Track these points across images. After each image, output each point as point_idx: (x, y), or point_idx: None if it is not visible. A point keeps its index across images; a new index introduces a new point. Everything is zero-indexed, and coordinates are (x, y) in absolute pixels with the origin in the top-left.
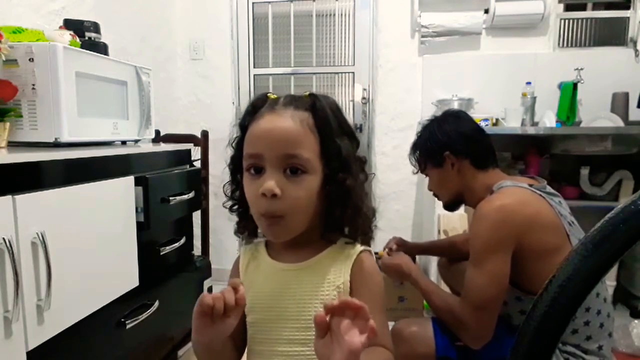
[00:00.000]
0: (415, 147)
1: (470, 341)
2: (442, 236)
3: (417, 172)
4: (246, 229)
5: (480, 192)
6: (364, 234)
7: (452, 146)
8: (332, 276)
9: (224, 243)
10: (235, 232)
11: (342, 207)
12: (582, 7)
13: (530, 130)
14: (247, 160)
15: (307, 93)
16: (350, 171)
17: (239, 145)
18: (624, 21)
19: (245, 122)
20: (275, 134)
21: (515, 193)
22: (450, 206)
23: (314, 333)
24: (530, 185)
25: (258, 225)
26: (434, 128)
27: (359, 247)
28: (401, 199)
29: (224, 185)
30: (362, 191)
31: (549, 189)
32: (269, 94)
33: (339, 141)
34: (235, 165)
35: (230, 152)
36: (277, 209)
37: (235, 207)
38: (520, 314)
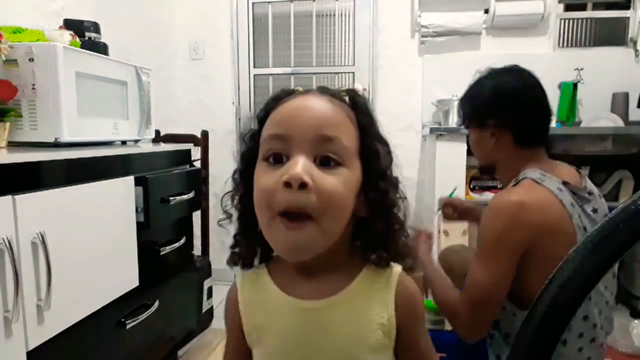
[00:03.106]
0: (462, 100)
1: (465, 335)
2: (442, 236)
3: (461, 125)
4: (241, 256)
5: (512, 171)
6: (402, 258)
7: (498, 114)
8: (374, 312)
9: (224, 243)
10: (227, 261)
11: (386, 222)
12: (582, 7)
13: None
14: (267, 144)
15: (344, 89)
16: (391, 183)
17: (252, 142)
18: (624, 21)
19: (266, 112)
20: (310, 112)
21: (537, 192)
22: (485, 170)
23: None
24: (565, 184)
25: (268, 237)
26: (487, 85)
27: (396, 268)
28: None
29: (222, 197)
30: (400, 209)
31: (589, 189)
32: (295, 89)
33: (379, 146)
34: (247, 165)
35: (241, 149)
36: (307, 203)
37: (238, 221)
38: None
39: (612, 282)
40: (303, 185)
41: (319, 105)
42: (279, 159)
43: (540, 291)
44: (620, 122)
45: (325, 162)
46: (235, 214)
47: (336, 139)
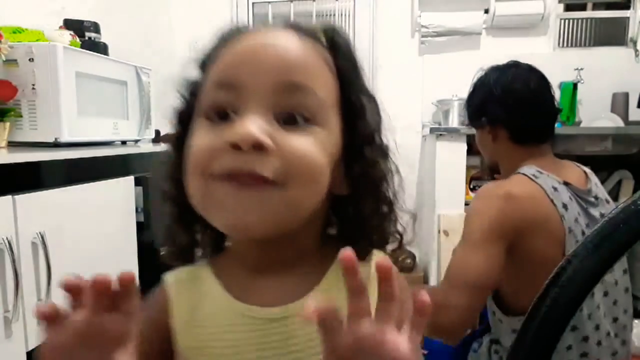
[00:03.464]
0: (467, 99)
1: (455, 327)
2: (442, 236)
3: (467, 124)
4: (178, 250)
5: (512, 168)
6: (385, 242)
7: (488, 112)
8: None
9: None
10: (163, 260)
11: (373, 202)
12: (582, 7)
13: None
14: (209, 95)
15: (322, 25)
16: (382, 150)
17: (194, 95)
18: (624, 21)
19: (210, 55)
20: (270, 52)
21: (525, 187)
22: (491, 169)
23: None
24: (566, 184)
25: (206, 208)
26: (483, 81)
27: (378, 256)
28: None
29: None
30: (390, 185)
31: (594, 193)
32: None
33: (365, 101)
34: (185, 130)
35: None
36: (267, 168)
37: (173, 204)
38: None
39: (624, 297)
40: (258, 147)
41: (283, 42)
42: (224, 116)
43: (541, 291)
44: (620, 122)
45: (291, 120)
46: (169, 196)
47: (307, 88)
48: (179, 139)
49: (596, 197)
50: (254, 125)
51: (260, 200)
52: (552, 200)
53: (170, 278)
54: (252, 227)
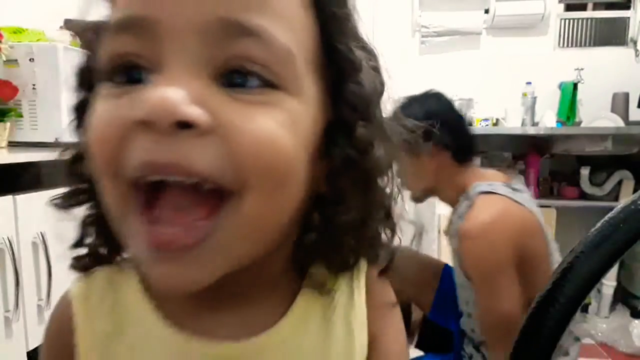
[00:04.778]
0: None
1: None
2: (443, 236)
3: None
4: (94, 255)
5: (455, 189)
6: (376, 258)
7: (433, 135)
8: (335, 344)
9: None
10: (73, 267)
11: (364, 203)
12: (582, 7)
13: (530, 130)
14: (111, 44)
15: None
16: (381, 130)
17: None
18: (624, 21)
19: None
20: None
21: (496, 204)
22: (421, 198)
23: None
24: (506, 185)
25: (122, 235)
26: (415, 110)
27: (362, 264)
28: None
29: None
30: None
31: (518, 186)
32: None
33: (357, 54)
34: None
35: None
36: (201, 159)
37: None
38: None
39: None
40: (184, 124)
41: None
42: (135, 77)
43: (540, 291)
44: (620, 122)
45: (238, 81)
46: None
47: (261, 31)
48: (80, 108)
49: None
50: (175, 89)
51: (201, 260)
52: (518, 202)
53: (76, 292)
54: (184, 287)
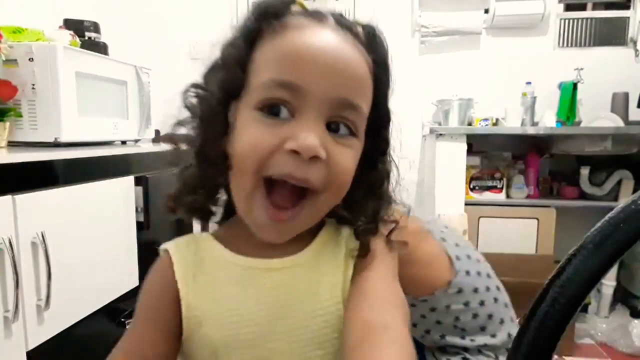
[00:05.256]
0: None
1: None
2: None
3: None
4: (197, 210)
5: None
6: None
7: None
8: (330, 272)
9: None
10: (172, 203)
11: (377, 200)
12: (582, 7)
13: (530, 130)
14: (267, 91)
15: (364, 21)
16: (386, 150)
17: (240, 68)
18: (624, 21)
19: (258, 26)
20: (333, 62)
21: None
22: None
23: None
24: None
25: (245, 212)
26: None
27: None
28: (401, 199)
29: (174, 126)
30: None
31: None
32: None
33: (388, 105)
34: (226, 99)
35: (221, 76)
36: (315, 178)
37: (198, 167)
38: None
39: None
40: (315, 158)
41: (347, 50)
42: (277, 111)
43: (540, 291)
44: (620, 122)
45: (336, 127)
46: (192, 157)
47: (359, 108)
48: (217, 106)
49: None
50: (316, 138)
51: (292, 226)
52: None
53: (169, 245)
54: (279, 241)
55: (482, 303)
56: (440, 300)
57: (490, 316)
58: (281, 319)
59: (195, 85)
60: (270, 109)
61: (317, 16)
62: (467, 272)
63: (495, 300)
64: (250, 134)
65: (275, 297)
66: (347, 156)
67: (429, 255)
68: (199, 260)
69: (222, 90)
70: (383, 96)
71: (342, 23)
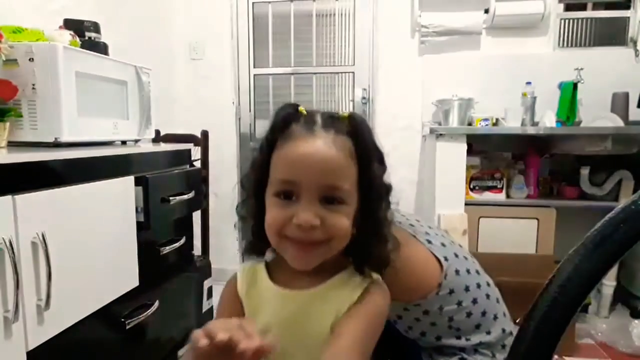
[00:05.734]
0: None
1: None
2: None
3: None
4: (255, 250)
5: None
6: (385, 265)
7: None
8: (338, 302)
9: (224, 243)
10: (245, 251)
11: (376, 240)
12: (582, 7)
13: (530, 130)
14: (278, 185)
15: (347, 114)
16: (382, 200)
17: (262, 164)
18: (624, 21)
19: (273, 137)
20: (317, 162)
21: None
22: None
23: None
24: None
25: (278, 250)
26: None
27: (373, 276)
28: (401, 198)
29: (237, 206)
30: (387, 220)
31: None
32: (299, 108)
33: (375, 169)
34: (258, 187)
35: (251, 175)
36: (315, 238)
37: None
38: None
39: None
40: (312, 226)
41: (325, 154)
42: (288, 196)
43: (540, 291)
44: (620, 122)
45: (329, 200)
46: (249, 219)
47: (341, 187)
48: (257, 184)
49: None
50: (311, 214)
51: (313, 256)
52: None
53: (242, 270)
54: (307, 268)
55: (474, 301)
56: (432, 303)
57: (484, 313)
58: (291, 336)
59: (241, 181)
60: (284, 195)
61: (309, 124)
62: (457, 272)
63: (487, 296)
64: (271, 212)
65: (295, 318)
66: (339, 218)
67: (416, 261)
68: (253, 281)
69: (255, 184)
70: (366, 165)
71: (327, 125)
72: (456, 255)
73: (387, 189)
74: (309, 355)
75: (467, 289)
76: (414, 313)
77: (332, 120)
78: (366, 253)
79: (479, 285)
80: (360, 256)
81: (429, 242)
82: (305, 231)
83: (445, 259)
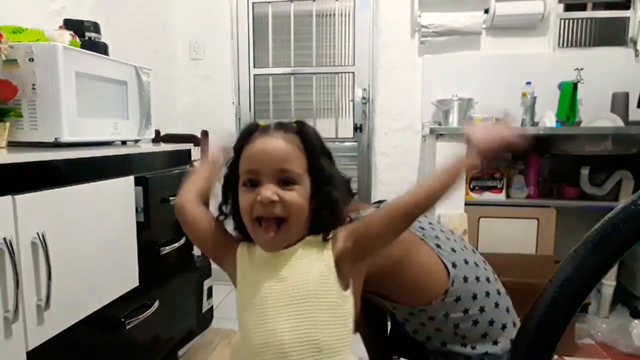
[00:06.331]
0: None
1: None
2: None
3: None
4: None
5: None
6: (335, 227)
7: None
8: (317, 255)
9: None
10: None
11: (330, 215)
12: (582, 7)
13: (530, 130)
14: (244, 175)
15: (294, 120)
16: (334, 185)
17: (233, 166)
18: (624, 21)
19: (240, 145)
20: (270, 151)
21: None
22: None
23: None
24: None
25: (253, 236)
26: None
27: (333, 233)
28: None
29: (219, 205)
30: (345, 205)
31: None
32: (260, 123)
33: (322, 160)
34: (228, 184)
35: (224, 174)
36: (278, 212)
37: (227, 218)
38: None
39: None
40: (272, 201)
41: (276, 145)
42: (254, 183)
43: (540, 291)
44: (620, 122)
45: (286, 182)
46: (230, 214)
47: (291, 169)
48: (231, 182)
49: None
50: (269, 192)
51: (279, 237)
52: None
53: (240, 245)
54: (275, 249)
55: (482, 309)
56: (438, 309)
57: (491, 322)
58: (291, 276)
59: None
60: (250, 183)
61: (265, 129)
62: (465, 279)
63: (497, 305)
64: (243, 199)
65: (273, 274)
66: (293, 195)
67: (423, 264)
68: (250, 256)
69: (230, 180)
70: (314, 157)
71: (279, 128)
72: (466, 262)
73: (343, 179)
74: (296, 308)
75: (474, 297)
76: (419, 318)
77: (282, 125)
78: (322, 226)
79: (487, 294)
80: (318, 229)
81: (438, 246)
82: (266, 207)
83: (454, 265)
